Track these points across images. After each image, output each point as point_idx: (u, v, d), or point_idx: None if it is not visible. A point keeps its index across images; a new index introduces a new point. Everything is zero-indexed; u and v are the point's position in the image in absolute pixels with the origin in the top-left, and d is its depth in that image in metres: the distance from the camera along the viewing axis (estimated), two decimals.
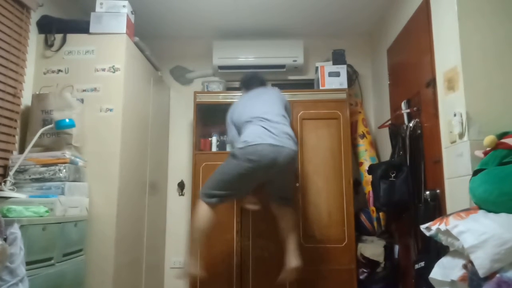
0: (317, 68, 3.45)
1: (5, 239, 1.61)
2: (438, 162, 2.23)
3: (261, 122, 2.44)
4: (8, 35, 2.33)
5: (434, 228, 1.69)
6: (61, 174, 2.22)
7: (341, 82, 3.35)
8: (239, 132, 2.54)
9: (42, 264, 1.87)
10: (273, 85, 3.78)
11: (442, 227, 1.62)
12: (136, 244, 2.85)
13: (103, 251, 2.37)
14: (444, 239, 1.64)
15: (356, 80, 3.73)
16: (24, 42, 2.48)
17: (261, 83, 2.89)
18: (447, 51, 2.15)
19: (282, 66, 3.62)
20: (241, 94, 3.01)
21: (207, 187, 2.44)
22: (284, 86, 3.75)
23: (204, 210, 2.40)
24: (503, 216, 1.50)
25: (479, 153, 1.82)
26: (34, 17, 2.60)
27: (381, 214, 3.13)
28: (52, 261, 1.95)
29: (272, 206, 2.60)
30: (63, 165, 2.24)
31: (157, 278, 3.39)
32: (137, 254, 2.86)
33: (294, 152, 2.43)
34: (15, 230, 1.68)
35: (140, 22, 2.94)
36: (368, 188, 3.15)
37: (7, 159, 2.28)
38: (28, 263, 1.71)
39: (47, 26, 2.63)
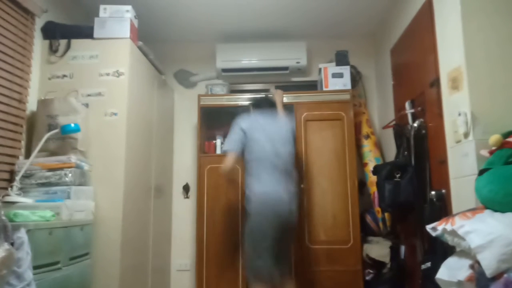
0: (320, 69, 3.45)
1: (12, 244, 1.62)
2: (443, 162, 2.22)
3: (273, 173, 2.49)
4: (13, 41, 2.36)
5: (440, 228, 1.68)
6: (67, 179, 2.23)
7: (345, 83, 3.34)
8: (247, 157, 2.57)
9: (48, 268, 1.88)
10: (276, 87, 3.78)
11: (448, 227, 1.61)
12: (142, 247, 2.86)
13: (109, 255, 2.38)
14: (450, 239, 1.64)
15: (359, 81, 3.72)
16: (29, 48, 2.51)
17: (271, 104, 2.84)
18: (451, 51, 2.14)
19: (286, 68, 3.62)
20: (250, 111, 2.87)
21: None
22: (287, 87, 3.75)
23: None
24: (509, 216, 1.49)
25: (484, 153, 1.81)
26: (39, 23, 2.62)
27: (386, 214, 3.11)
28: (59, 265, 1.96)
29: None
30: (69, 169, 2.25)
31: (163, 281, 3.39)
32: (143, 258, 2.87)
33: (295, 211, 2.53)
34: (22, 234, 1.69)
35: (143, 27, 2.96)
36: (373, 189, 3.14)
37: (13, 164, 2.30)
38: (35, 267, 1.72)
39: (51, 32, 2.66)
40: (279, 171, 2.50)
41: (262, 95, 3.19)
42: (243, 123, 2.64)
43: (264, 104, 2.81)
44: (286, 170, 2.55)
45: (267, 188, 2.45)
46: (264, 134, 2.58)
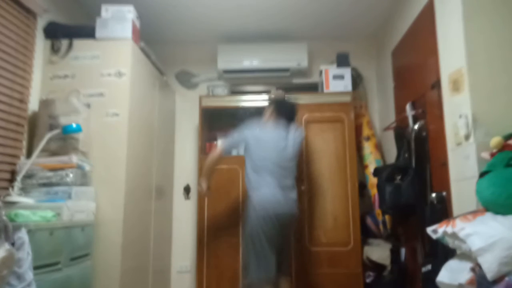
0: (321, 71, 3.45)
1: (12, 244, 1.61)
2: (444, 164, 2.21)
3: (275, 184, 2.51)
4: (15, 41, 2.36)
5: (441, 230, 1.68)
6: (68, 179, 2.23)
7: (346, 85, 3.34)
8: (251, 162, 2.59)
9: (49, 269, 1.87)
10: (277, 88, 3.79)
11: (449, 229, 1.61)
12: (143, 248, 2.85)
13: (109, 256, 2.38)
14: (451, 242, 1.63)
15: (360, 82, 3.72)
16: (31, 48, 2.51)
17: (290, 115, 2.77)
18: (452, 53, 2.14)
19: (286, 70, 3.62)
20: (269, 111, 2.78)
21: None
22: (288, 89, 3.75)
23: None
24: (511, 218, 1.49)
25: (485, 155, 1.81)
26: (41, 23, 2.63)
27: (387, 217, 3.11)
28: (59, 266, 1.96)
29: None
30: (70, 169, 2.25)
31: (163, 282, 3.39)
32: (143, 259, 2.86)
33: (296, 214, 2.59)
34: (23, 234, 1.69)
35: (145, 27, 2.96)
36: (374, 191, 3.14)
37: (14, 164, 2.30)
38: (35, 268, 1.71)
39: (53, 32, 2.66)
40: (281, 180, 2.53)
41: (283, 97, 3.14)
42: (249, 134, 2.64)
43: (284, 111, 2.74)
44: (288, 179, 2.57)
45: (268, 195, 2.47)
46: (271, 147, 2.58)
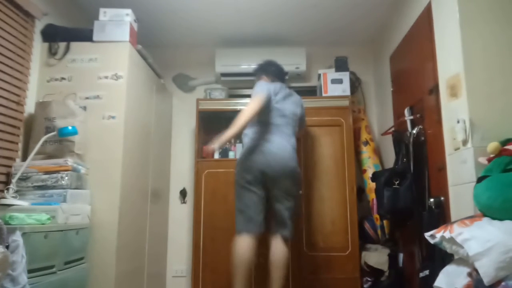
0: (319, 75, 3.46)
1: (7, 247, 1.60)
2: (442, 169, 2.21)
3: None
4: (12, 43, 2.35)
5: (438, 235, 1.68)
6: (63, 182, 2.22)
7: (344, 89, 3.35)
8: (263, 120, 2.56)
9: (43, 272, 1.86)
10: None
11: (447, 234, 1.60)
12: (138, 252, 2.84)
13: (104, 259, 2.36)
14: (448, 247, 1.63)
15: (359, 87, 3.73)
16: (28, 51, 2.51)
17: (280, 73, 2.84)
18: (450, 58, 2.14)
19: (285, 73, 3.62)
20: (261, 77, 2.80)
21: None
22: None
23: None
24: (507, 223, 1.49)
25: (483, 160, 1.81)
26: (39, 25, 2.62)
27: (385, 221, 3.10)
28: (54, 269, 1.94)
29: (270, 235, 2.49)
30: (66, 172, 2.24)
31: (159, 286, 3.37)
32: (138, 263, 2.84)
33: (296, 168, 2.52)
34: (17, 237, 1.67)
35: (143, 31, 2.96)
36: (372, 196, 3.13)
37: (10, 166, 2.28)
38: (29, 271, 1.70)
39: (51, 35, 2.66)
40: (286, 134, 2.55)
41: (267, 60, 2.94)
42: (267, 86, 2.61)
43: (273, 71, 2.79)
44: (291, 134, 2.59)
45: (274, 146, 2.48)
46: (289, 106, 2.62)
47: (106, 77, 2.59)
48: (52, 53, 2.63)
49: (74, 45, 2.66)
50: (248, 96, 3.65)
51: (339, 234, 3.05)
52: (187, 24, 3.45)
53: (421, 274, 2.21)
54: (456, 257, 1.65)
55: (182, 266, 3.55)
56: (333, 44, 3.78)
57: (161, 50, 3.72)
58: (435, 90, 2.32)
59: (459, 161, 2.02)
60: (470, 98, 1.95)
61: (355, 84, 3.67)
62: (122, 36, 2.65)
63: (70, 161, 2.28)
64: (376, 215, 3.12)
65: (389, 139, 3.01)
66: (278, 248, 2.44)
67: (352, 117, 3.24)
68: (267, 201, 2.49)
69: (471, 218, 1.66)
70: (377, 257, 3.01)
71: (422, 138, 2.52)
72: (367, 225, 3.21)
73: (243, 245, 2.36)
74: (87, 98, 2.57)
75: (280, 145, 2.49)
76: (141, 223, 2.89)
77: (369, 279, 3.03)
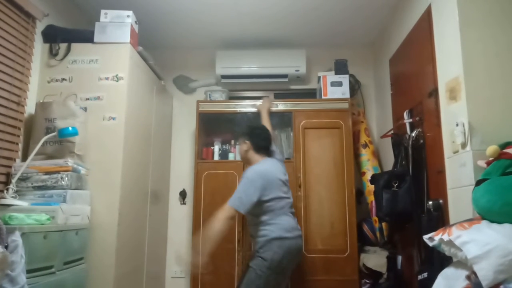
0: (319, 77, 3.46)
1: (6, 247, 1.60)
2: (441, 172, 2.22)
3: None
4: (13, 44, 2.36)
5: (437, 238, 1.68)
6: (63, 182, 2.22)
7: (344, 91, 3.35)
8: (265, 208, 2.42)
9: (42, 272, 1.86)
10: (275, 94, 3.81)
11: (445, 237, 1.61)
12: (137, 253, 2.84)
13: (104, 260, 2.36)
14: (447, 250, 1.63)
15: (358, 89, 3.74)
16: (29, 51, 2.51)
17: (269, 151, 2.68)
18: (449, 61, 2.15)
19: (285, 76, 3.63)
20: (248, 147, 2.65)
21: None
22: (286, 95, 3.77)
23: None
24: (506, 226, 1.49)
25: (482, 163, 1.81)
26: (40, 26, 2.63)
27: (383, 224, 3.10)
28: (53, 270, 1.94)
29: None
30: (66, 173, 2.24)
31: (158, 287, 3.36)
32: (138, 264, 2.84)
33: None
34: (17, 237, 1.68)
35: (144, 32, 2.97)
36: (371, 198, 3.14)
37: (10, 166, 2.29)
38: (28, 271, 1.70)
39: (52, 36, 2.66)
40: (291, 212, 2.54)
41: (257, 125, 2.89)
42: (258, 180, 2.40)
43: (264, 146, 2.63)
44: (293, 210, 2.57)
45: (289, 231, 2.43)
46: (278, 183, 2.51)
47: (106, 78, 2.60)
48: (52, 54, 2.64)
49: (75, 46, 2.66)
50: (248, 97, 3.69)
51: (338, 236, 3.05)
52: (188, 26, 3.46)
53: (420, 277, 2.21)
54: (454, 260, 1.65)
55: (181, 267, 3.55)
56: (333, 47, 3.79)
57: (162, 52, 3.73)
58: (434, 93, 2.33)
59: (458, 164, 2.03)
60: (469, 101, 1.96)
61: (355, 86, 3.68)
62: (123, 37, 2.66)
63: (70, 162, 2.28)
64: (375, 218, 3.12)
65: (388, 141, 3.02)
66: None
67: (352, 120, 3.24)
68: None
69: (470, 221, 1.66)
70: (375, 259, 3.01)
71: (421, 141, 2.52)
72: (366, 227, 3.21)
73: None
74: (87, 99, 2.57)
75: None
76: (140, 224, 2.89)
77: (367, 281, 3.03)
